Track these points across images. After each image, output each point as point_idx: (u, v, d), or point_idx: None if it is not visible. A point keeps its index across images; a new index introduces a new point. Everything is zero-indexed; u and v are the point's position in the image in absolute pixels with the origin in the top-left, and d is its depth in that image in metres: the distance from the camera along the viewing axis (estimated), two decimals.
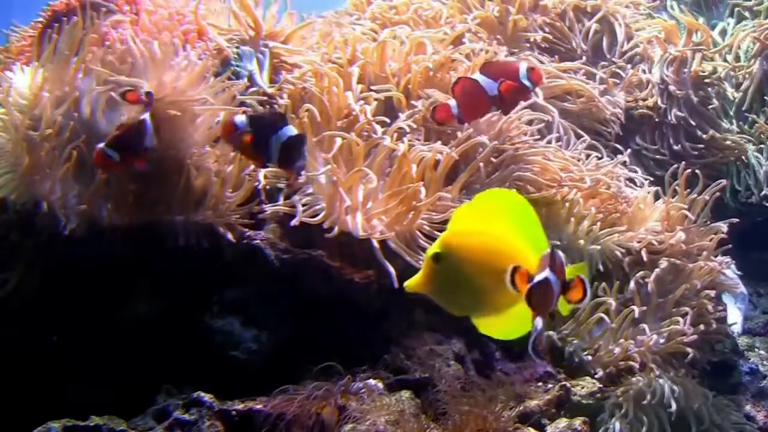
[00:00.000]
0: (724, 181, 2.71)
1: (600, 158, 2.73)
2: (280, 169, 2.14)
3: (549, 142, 2.60)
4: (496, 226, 1.59)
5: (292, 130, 2.06)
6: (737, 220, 2.68)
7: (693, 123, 3.14)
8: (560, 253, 1.65)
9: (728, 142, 3.22)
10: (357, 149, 2.25)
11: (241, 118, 2.04)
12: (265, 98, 2.46)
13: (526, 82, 2.34)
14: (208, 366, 2.13)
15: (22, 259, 2.17)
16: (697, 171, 2.69)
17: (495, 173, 2.38)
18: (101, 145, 2.01)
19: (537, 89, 2.62)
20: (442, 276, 1.58)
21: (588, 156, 2.70)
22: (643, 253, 2.51)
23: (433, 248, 1.58)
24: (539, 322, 1.64)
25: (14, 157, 2.08)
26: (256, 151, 2.05)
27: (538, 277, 1.56)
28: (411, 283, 1.61)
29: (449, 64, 2.56)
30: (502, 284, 1.57)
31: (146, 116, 2.06)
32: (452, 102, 2.33)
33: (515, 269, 1.54)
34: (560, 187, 2.47)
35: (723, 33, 3.47)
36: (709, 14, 3.56)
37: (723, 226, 2.62)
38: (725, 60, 3.32)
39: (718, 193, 2.65)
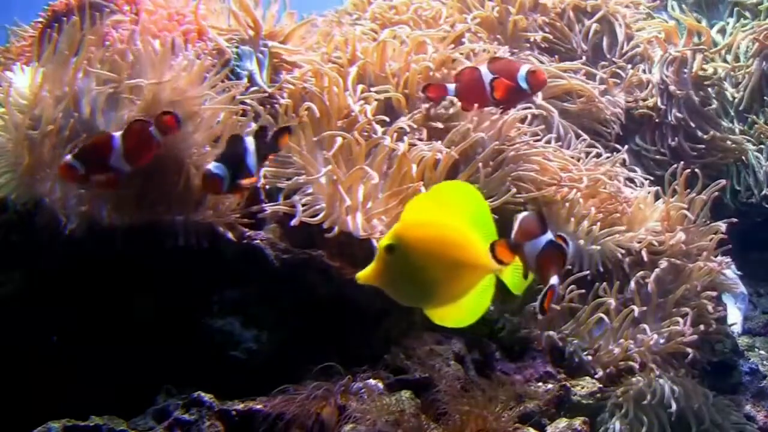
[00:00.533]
0: (723, 181, 2.70)
1: (599, 155, 2.72)
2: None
3: (548, 142, 2.60)
4: (449, 218, 1.61)
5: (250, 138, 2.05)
6: (736, 219, 2.68)
7: (693, 123, 3.15)
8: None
9: (728, 143, 3.22)
10: (357, 149, 2.25)
11: (215, 165, 1.99)
12: (266, 97, 2.46)
13: (523, 84, 2.35)
14: (208, 366, 2.13)
15: (22, 259, 2.17)
16: (696, 171, 2.69)
17: (495, 173, 2.38)
18: (68, 157, 1.98)
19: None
20: (394, 267, 1.58)
21: (587, 154, 2.70)
22: (644, 254, 2.51)
23: (386, 239, 1.58)
24: (555, 278, 1.69)
25: (15, 156, 2.08)
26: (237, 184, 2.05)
27: (545, 238, 1.59)
28: (363, 275, 1.61)
29: (449, 64, 2.56)
30: (454, 275, 1.61)
31: (116, 134, 2.01)
32: (451, 86, 2.36)
33: (494, 244, 1.57)
34: (560, 187, 2.48)
35: (722, 32, 3.47)
36: (710, 14, 3.56)
37: (722, 225, 2.61)
38: (725, 60, 3.32)
39: (717, 193, 2.65)
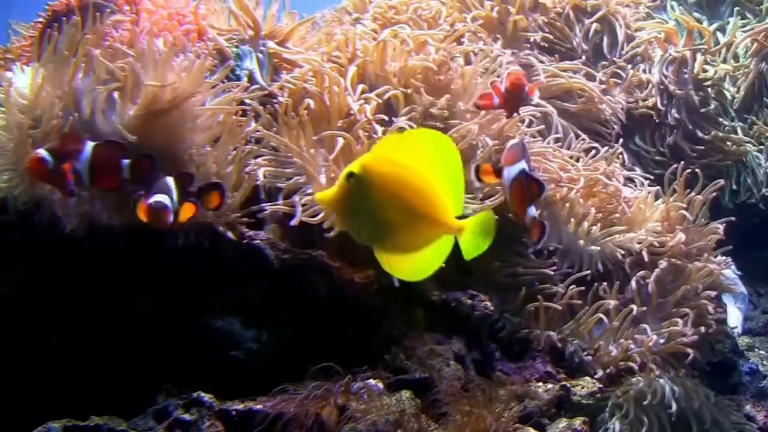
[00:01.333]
0: (721, 181, 2.68)
1: (596, 153, 2.71)
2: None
3: (548, 143, 2.60)
4: (419, 164, 1.58)
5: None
6: (734, 219, 2.67)
7: (693, 123, 3.14)
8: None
9: (728, 143, 3.22)
10: (358, 149, 2.24)
11: (161, 196, 1.94)
12: (266, 96, 2.46)
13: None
14: (208, 366, 2.13)
15: (22, 259, 2.17)
16: (697, 171, 2.69)
17: None
18: (41, 150, 1.94)
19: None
20: (353, 197, 1.56)
21: (587, 153, 2.69)
22: (644, 254, 2.51)
23: (351, 167, 1.56)
24: (532, 209, 1.68)
25: (15, 156, 2.08)
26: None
27: (518, 166, 1.57)
28: (322, 196, 1.60)
29: (448, 64, 2.56)
30: (412, 223, 1.58)
31: (88, 144, 1.98)
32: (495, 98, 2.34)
33: (478, 167, 1.53)
34: (559, 187, 2.48)
35: (723, 32, 3.47)
36: (710, 14, 3.56)
37: (721, 225, 2.61)
38: (724, 60, 3.32)
39: (716, 193, 2.64)
